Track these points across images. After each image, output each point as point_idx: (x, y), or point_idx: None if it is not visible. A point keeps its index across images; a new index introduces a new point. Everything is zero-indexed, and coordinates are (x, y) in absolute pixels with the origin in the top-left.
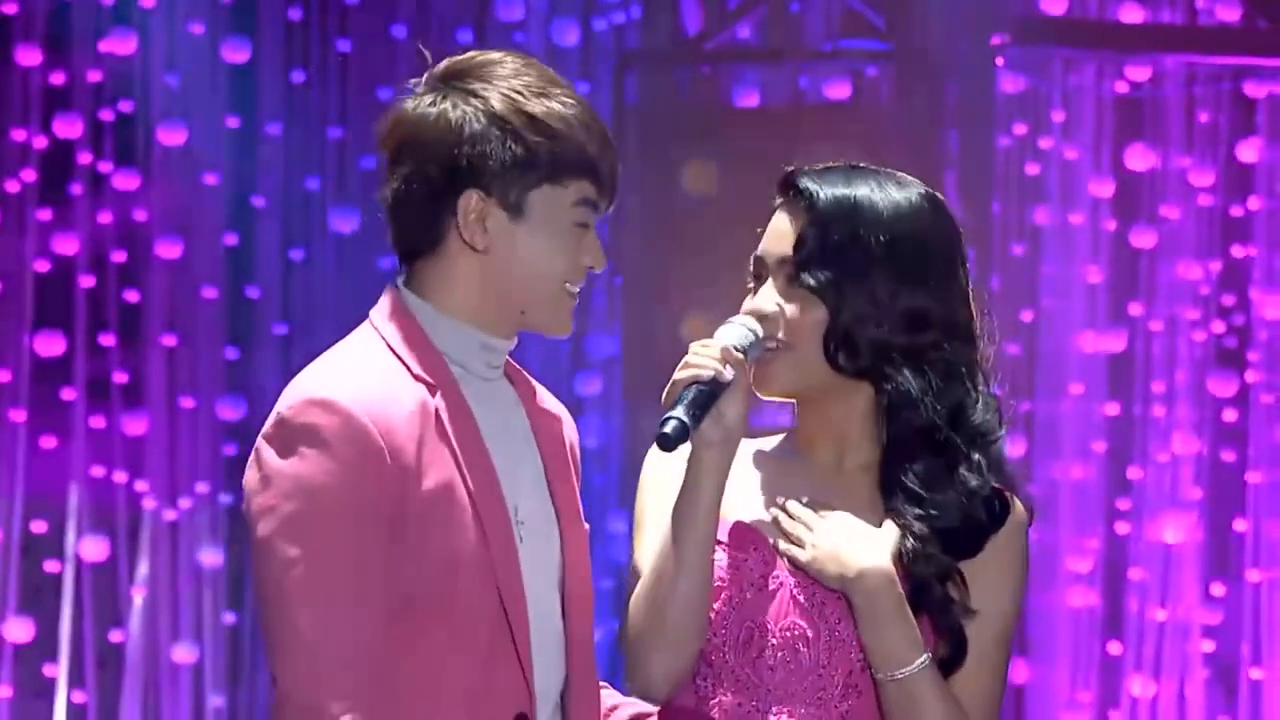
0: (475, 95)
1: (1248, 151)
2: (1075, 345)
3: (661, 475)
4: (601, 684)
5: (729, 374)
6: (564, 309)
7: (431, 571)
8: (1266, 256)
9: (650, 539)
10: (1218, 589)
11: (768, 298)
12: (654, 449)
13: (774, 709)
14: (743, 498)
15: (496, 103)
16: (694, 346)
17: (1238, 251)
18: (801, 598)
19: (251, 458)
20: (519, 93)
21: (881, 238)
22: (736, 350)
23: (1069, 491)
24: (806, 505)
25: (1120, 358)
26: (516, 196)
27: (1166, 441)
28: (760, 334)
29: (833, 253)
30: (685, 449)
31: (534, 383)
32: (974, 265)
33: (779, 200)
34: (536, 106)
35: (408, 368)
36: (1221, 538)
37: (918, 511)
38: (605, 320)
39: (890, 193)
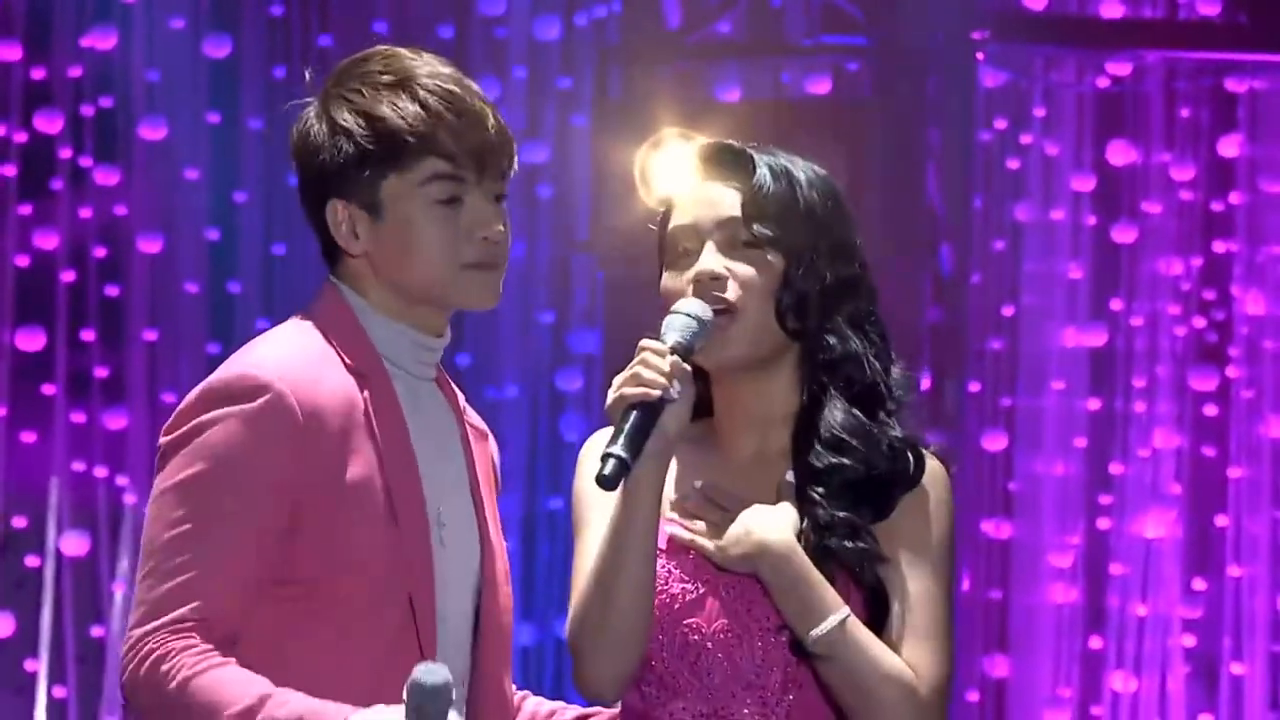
0: (325, 106)
1: (1229, 147)
2: (1056, 341)
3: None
4: (524, 693)
5: (676, 391)
6: (475, 285)
7: (335, 562)
8: (1247, 252)
9: (591, 543)
10: (1199, 584)
11: (714, 260)
12: (588, 447)
13: (720, 711)
14: (668, 497)
15: (336, 109)
16: (646, 354)
17: (1219, 247)
18: (730, 598)
19: (174, 417)
20: (357, 92)
21: (822, 201)
22: (683, 343)
23: (1050, 487)
24: (727, 499)
25: (1101, 353)
26: (369, 194)
27: (1147, 437)
28: (708, 317)
29: (782, 206)
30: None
31: (461, 397)
32: (955, 260)
33: (695, 177)
34: (373, 102)
35: (342, 358)
36: (1202, 533)
37: (833, 460)
38: (587, 316)
39: (810, 167)
